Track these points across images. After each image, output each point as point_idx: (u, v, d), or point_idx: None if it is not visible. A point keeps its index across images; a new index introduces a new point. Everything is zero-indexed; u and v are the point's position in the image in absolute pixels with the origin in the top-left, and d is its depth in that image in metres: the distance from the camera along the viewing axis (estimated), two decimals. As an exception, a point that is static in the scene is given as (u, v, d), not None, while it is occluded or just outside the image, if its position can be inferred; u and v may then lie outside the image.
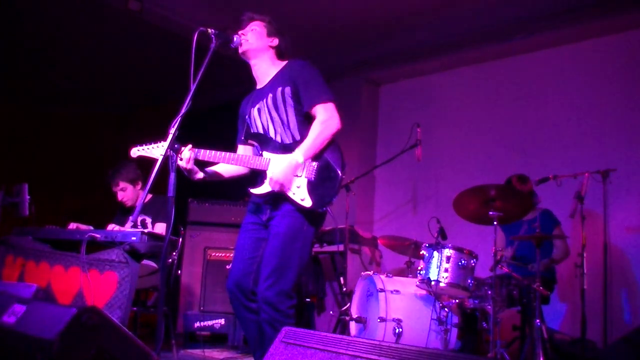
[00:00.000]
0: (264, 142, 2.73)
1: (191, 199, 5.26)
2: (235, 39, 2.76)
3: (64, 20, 5.43)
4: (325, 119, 2.63)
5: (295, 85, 2.69)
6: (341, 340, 1.86)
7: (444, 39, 5.37)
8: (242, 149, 2.95)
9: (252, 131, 2.82)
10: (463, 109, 5.62)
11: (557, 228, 4.20)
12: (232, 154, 2.75)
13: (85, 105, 7.84)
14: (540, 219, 3.66)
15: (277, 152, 2.68)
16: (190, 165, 2.65)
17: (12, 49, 6.10)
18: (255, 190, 2.68)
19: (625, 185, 4.36)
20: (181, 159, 2.61)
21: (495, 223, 3.52)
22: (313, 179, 2.59)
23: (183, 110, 2.40)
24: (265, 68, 2.84)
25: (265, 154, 2.70)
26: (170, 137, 2.39)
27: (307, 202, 2.57)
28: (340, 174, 2.61)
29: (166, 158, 2.41)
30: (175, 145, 2.41)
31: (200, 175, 2.76)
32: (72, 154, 7.69)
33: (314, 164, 2.61)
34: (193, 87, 2.43)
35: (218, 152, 2.70)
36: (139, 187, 4.28)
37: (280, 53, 2.88)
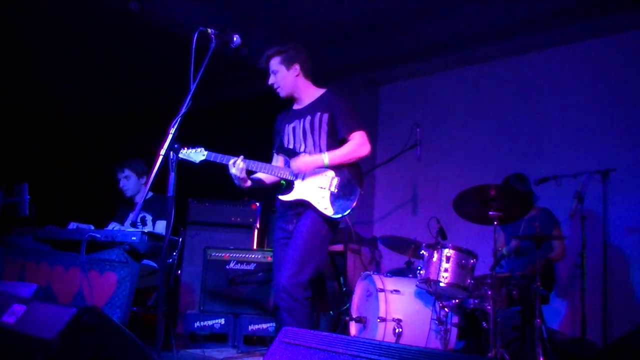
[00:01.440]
0: (293, 156, 3.00)
1: (191, 199, 5.26)
2: (235, 39, 2.77)
3: (64, 21, 5.43)
4: (360, 143, 2.96)
5: (332, 113, 2.99)
6: (341, 340, 1.86)
7: (444, 39, 5.37)
8: (276, 158, 3.19)
9: (284, 146, 3.10)
10: (463, 109, 5.62)
11: (556, 228, 4.20)
12: (266, 164, 3.03)
13: (85, 105, 7.83)
14: (539, 217, 3.66)
15: None
16: (243, 175, 2.89)
17: (12, 49, 6.10)
18: (283, 197, 2.98)
19: (625, 185, 4.36)
20: (235, 169, 2.84)
21: (495, 223, 3.52)
22: (336, 191, 2.91)
23: (183, 110, 2.41)
24: (304, 94, 3.11)
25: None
26: (169, 137, 2.39)
27: (329, 211, 2.88)
28: (359, 191, 2.93)
29: (166, 157, 2.41)
30: (175, 145, 2.41)
31: (249, 183, 3.00)
32: (71, 154, 7.69)
33: (337, 178, 2.93)
34: (193, 87, 2.44)
35: (259, 163, 2.96)
36: (142, 180, 4.31)
37: (306, 72, 3.10)
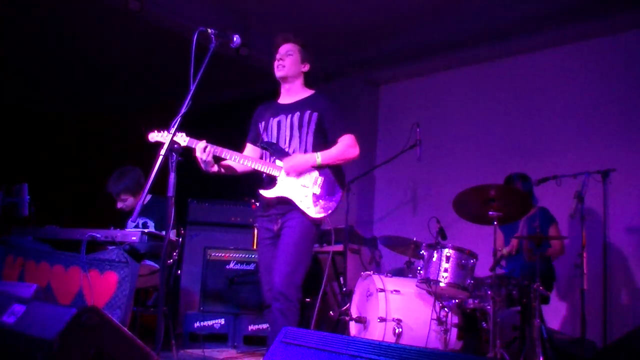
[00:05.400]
0: (277, 151, 2.99)
1: (191, 199, 5.26)
2: (235, 39, 2.77)
3: (64, 21, 5.43)
4: (350, 144, 3.01)
5: (321, 114, 3.01)
6: (341, 340, 1.86)
7: (444, 39, 5.36)
8: (249, 148, 3.20)
9: (266, 140, 3.06)
10: (463, 109, 5.62)
11: (552, 226, 4.19)
12: (248, 156, 3.02)
13: (85, 105, 7.83)
14: (538, 217, 3.66)
15: None
16: (208, 158, 2.86)
17: (12, 49, 6.10)
18: (264, 192, 2.95)
19: (625, 185, 4.36)
20: (200, 152, 2.84)
21: (495, 223, 3.52)
22: (319, 192, 2.91)
23: (183, 110, 2.41)
24: (295, 90, 3.11)
25: (279, 162, 2.96)
26: (169, 137, 2.39)
27: (311, 211, 2.89)
28: (341, 192, 2.98)
29: (166, 158, 2.41)
30: (175, 146, 2.41)
31: (215, 168, 2.96)
32: (72, 154, 7.68)
33: (321, 179, 2.93)
34: (193, 87, 2.44)
35: (235, 153, 2.95)
36: (139, 196, 4.20)
37: (307, 78, 3.14)
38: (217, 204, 5.24)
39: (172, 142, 2.41)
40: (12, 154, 7.00)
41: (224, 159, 2.99)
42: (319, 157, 2.91)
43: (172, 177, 2.35)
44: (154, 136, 2.97)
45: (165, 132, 2.89)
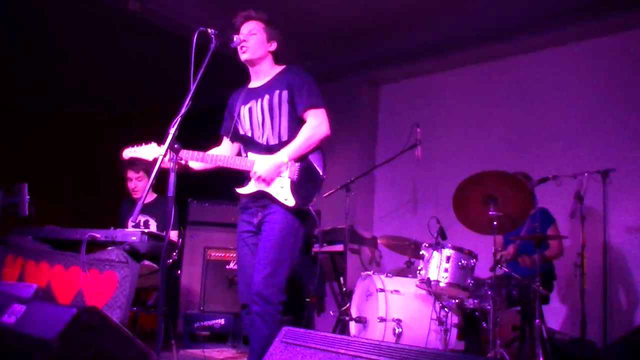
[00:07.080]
0: (249, 144, 2.83)
1: (191, 199, 5.26)
2: (235, 39, 2.78)
3: (64, 21, 5.43)
4: (316, 124, 2.74)
5: (291, 89, 2.78)
6: (341, 340, 1.87)
7: (444, 39, 5.36)
8: (226, 143, 3.03)
9: (239, 132, 2.90)
10: (463, 109, 5.62)
11: (552, 226, 4.20)
12: (217, 155, 2.83)
13: (86, 105, 7.83)
14: (538, 217, 3.66)
15: (261, 154, 2.77)
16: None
17: (12, 49, 6.10)
18: (241, 190, 2.80)
19: (625, 185, 4.35)
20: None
21: (495, 223, 3.51)
22: (296, 179, 2.71)
23: (183, 110, 2.41)
24: (264, 70, 2.93)
25: (250, 155, 2.79)
26: (170, 137, 2.39)
27: (290, 202, 2.68)
28: (321, 175, 2.74)
29: (165, 157, 2.41)
30: (175, 145, 2.41)
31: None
32: (72, 154, 7.68)
33: (297, 164, 2.72)
34: (193, 87, 2.44)
35: (204, 154, 2.79)
36: (147, 185, 4.23)
37: (276, 56, 2.96)
38: (217, 204, 5.24)
39: (173, 142, 2.40)
40: (12, 154, 7.00)
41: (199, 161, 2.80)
42: (285, 156, 2.69)
43: (172, 177, 2.35)
44: (128, 152, 2.86)
45: (138, 147, 2.85)
